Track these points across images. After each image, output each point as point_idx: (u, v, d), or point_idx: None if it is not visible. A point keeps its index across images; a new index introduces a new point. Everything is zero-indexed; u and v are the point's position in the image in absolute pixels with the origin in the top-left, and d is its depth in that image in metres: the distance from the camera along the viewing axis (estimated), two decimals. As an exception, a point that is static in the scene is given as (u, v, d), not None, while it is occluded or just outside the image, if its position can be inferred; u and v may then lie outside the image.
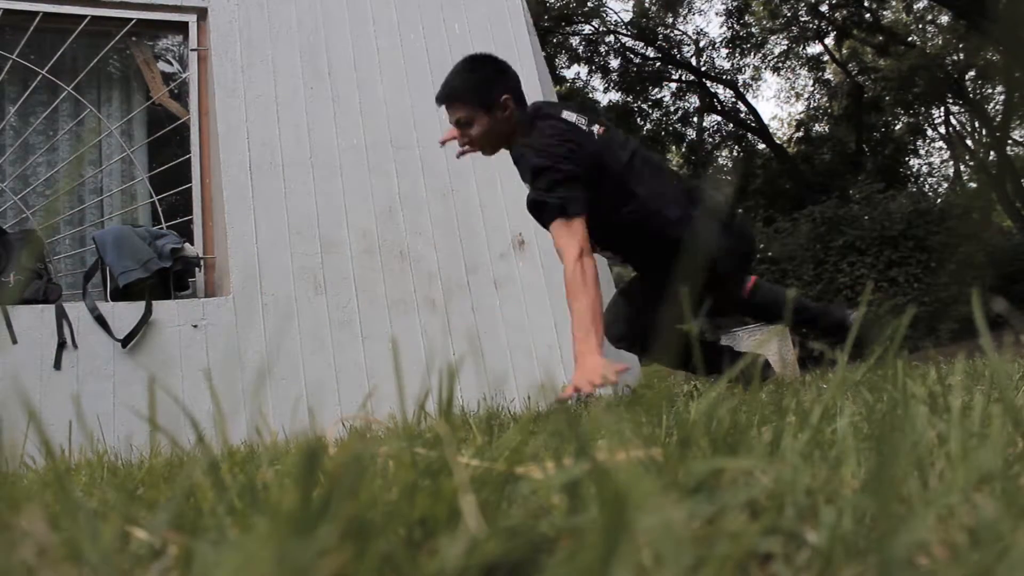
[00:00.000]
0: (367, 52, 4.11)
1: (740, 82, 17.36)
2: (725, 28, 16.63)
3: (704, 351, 2.37)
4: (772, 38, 17.21)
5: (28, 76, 3.71)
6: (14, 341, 2.99)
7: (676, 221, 2.14)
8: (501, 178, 4.09)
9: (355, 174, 3.83)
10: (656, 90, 17.12)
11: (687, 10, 16.53)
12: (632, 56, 16.55)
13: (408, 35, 4.23)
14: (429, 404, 0.52)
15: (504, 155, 4.31)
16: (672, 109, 17.24)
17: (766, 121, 20.48)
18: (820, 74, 18.18)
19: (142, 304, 3.20)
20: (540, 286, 3.90)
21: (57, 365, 3.02)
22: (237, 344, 3.32)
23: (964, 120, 18.73)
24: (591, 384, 1.84)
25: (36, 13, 3.64)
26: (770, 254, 7.70)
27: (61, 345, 3.04)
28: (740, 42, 16.78)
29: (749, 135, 17.41)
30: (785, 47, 17.39)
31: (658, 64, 16.78)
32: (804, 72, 18.50)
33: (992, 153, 16.44)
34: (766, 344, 4.79)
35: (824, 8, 15.99)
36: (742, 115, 17.29)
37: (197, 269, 3.56)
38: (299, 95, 3.87)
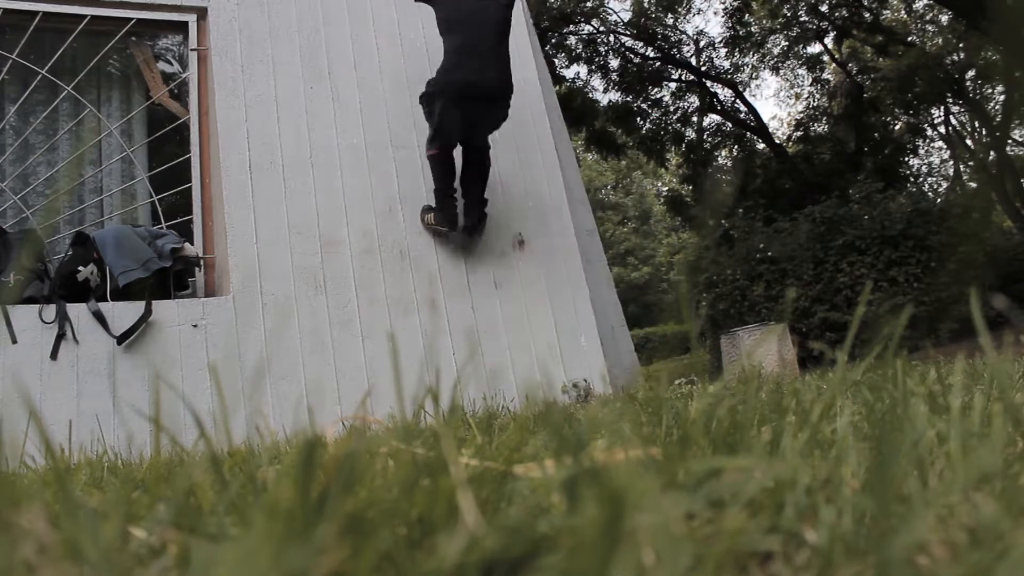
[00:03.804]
0: (367, 52, 4.11)
1: (740, 82, 17.37)
2: (725, 28, 16.64)
3: None
4: (772, 38, 17.22)
5: (28, 76, 3.71)
6: (14, 340, 2.99)
7: None
8: (501, 178, 4.09)
9: (355, 174, 3.83)
10: (656, 90, 17.12)
11: (686, 10, 16.54)
12: (632, 56, 16.55)
13: (408, 35, 4.23)
14: (428, 404, 0.52)
15: (505, 159, 4.30)
16: (672, 109, 17.24)
17: (766, 121, 20.50)
18: (820, 74, 18.19)
19: (142, 304, 3.20)
20: (540, 286, 3.90)
21: (54, 356, 3.02)
22: (237, 344, 3.32)
23: (964, 120, 18.74)
24: None
25: (36, 13, 3.64)
26: (770, 254, 7.70)
27: (60, 336, 3.04)
28: (740, 42, 16.78)
29: (749, 135, 17.41)
30: (785, 47, 17.40)
31: (658, 64, 16.78)
32: (804, 72, 18.52)
33: (992, 153, 16.44)
34: (765, 343, 4.79)
35: (824, 8, 15.99)
36: (742, 115, 17.29)
37: (197, 269, 3.56)
38: (299, 95, 3.87)
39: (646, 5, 16.11)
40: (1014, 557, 0.30)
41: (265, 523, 0.28)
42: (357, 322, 3.55)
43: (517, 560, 0.31)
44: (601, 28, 16.18)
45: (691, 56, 17.07)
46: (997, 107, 16.97)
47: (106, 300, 3.22)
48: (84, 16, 3.72)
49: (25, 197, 3.69)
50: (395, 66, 4.13)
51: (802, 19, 16.39)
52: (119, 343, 3.13)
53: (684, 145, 17.42)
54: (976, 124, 18.27)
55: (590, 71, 16.54)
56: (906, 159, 17.99)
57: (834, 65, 17.77)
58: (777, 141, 17.80)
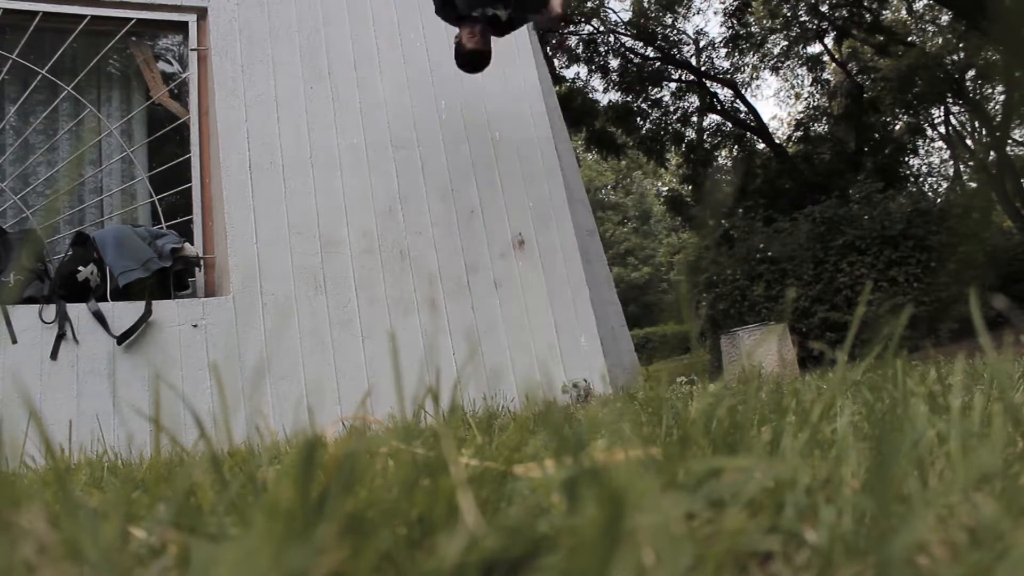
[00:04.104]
0: (367, 52, 4.11)
1: (740, 82, 17.37)
2: (725, 28, 16.65)
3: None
4: (772, 38, 17.22)
5: (28, 76, 3.70)
6: (14, 340, 2.99)
7: None
8: (501, 178, 4.10)
9: (355, 174, 3.83)
10: (656, 90, 17.12)
11: (686, 9, 16.54)
12: (632, 56, 16.56)
13: (408, 35, 4.23)
14: (428, 404, 0.52)
15: (506, 156, 4.29)
16: (672, 109, 17.24)
17: (766, 121, 20.51)
18: (820, 74, 18.19)
19: (142, 304, 3.20)
20: (540, 286, 3.90)
21: (54, 356, 3.02)
22: (237, 344, 3.32)
23: (964, 120, 18.74)
24: None
25: (36, 13, 3.64)
26: (770, 254, 7.70)
27: (60, 336, 3.04)
28: (740, 42, 16.79)
29: (749, 135, 17.41)
30: (785, 47, 17.41)
31: (658, 64, 16.78)
32: (804, 72, 18.52)
33: (992, 153, 16.44)
34: (765, 343, 4.79)
35: (824, 8, 15.99)
36: (742, 115, 17.29)
37: (197, 269, 3.56)
38: (299, 95, 3.87)
39: (646, 5, 16.11)
40: (1014, 557, 0.30)
41: (265, 523, 0.28)
42: (357, 322, 3.55)
43: (517, 560, 0.31)
44: (601, 28, 16.18)
45: (691, 56, 17.08)
46: (997, 107, 16.97)
47: (106, 300, 3.22)
48: (84, 16, 3.72)
49: (25, 197, 3.69)
50: (395, 66, 4.13)
51: (802, 19, 16.40)
52: (119, 343, 3.13)
53: (684, 145, 17.42)
54: (976, 124, 18.27)
55: (590, 71, 16.55)
56: (906, 159, 17.99)
57: (834, 65, 17.76)
58: (777, 141, 17.80)
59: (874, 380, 0.83)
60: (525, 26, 4.52)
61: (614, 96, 16.85)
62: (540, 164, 4.19)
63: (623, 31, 16.29)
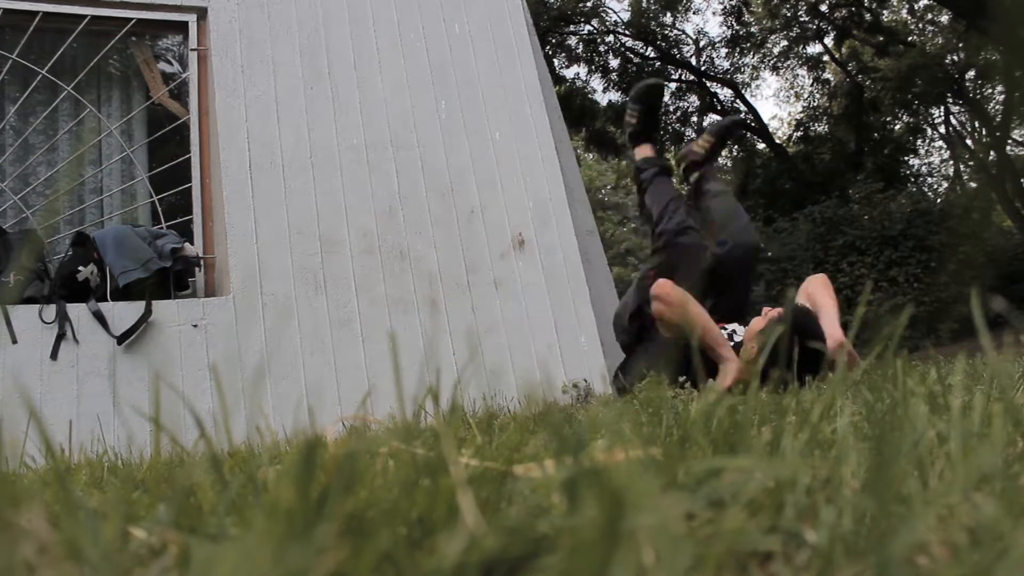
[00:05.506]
0: (367, 52, 4.11)
1: (740, 82, 17.37)
2: (724, 27, 16.66)
3: None
4: (772, 38, 17.22)
5: (28, 76, 3.70)
6: (14, 341, 2.99)
7: None
8: (501, 178, 4.10)
9: (355, 174, 3.83)
10: (656, 90, 17.09)
11: (684, 10, 16.54)
12: (632, 56, 16.56)
13: (408, 35, 4.23)
14: (429, 404, 0.52)
15: (506, 156, 4.31)
16: (672, 109, 17.25)
17: (766, 121, 20.48)
18: (820, 74, 18.20)
19: (142, 304, 3.20)
20: (540, 286, 3.90)
21: (54, 356, 3.02)
22: (237, 344, 3.32)
23: (964, 120, 18.74)
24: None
25: (36, 13, 3.64)
26: (770, 254, 7.70)
27: (60, 336, 3.04)
28: (740, 42, 16.80)
29: (749, 135, 17.41)
30: (785, 47, 17.41)
31: (658, 64, 16.78)
32: (804, 72, 18.53)
33: (992, 153, 16.44)
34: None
35: (824, 8, 15.99)
36: (742, 115, 17.29)
37: (197, 269, 3.56)
38: (299, 95, 3.87)
39: (644, 5, 16.11)
40: (1014, 557, 0.30)
41: (265, 523, 0.28)
42: (357, 322, 3.55)
43: (517, 560, 0.31)
44: (600, 28, 16.19)
45: (691, 56, 17.09)
46: (997, 107, 16.97)
47: (106, 300, 3.22)
48: (84, 16, 3.72)
49: (25, 197, 3.69)
50: (395, 66, 4.13)
51: (802, 19, 16.40)
52: (119, 343, 3.13)
53: (684, 145, 17.41)
54: (976, 124, 18.27)
55: (590, 71, 16.55)
56: (906, 159, 18.00)
57: (834, 65, 17.76)
58: (777, 141, 17.81)
59: (874, 380, 0.83)
60: (525, 25, 4.53)
61: (614, 96, 16.86)
62: (540, 164, 4.19)
63: (623, 31, 16.29)
